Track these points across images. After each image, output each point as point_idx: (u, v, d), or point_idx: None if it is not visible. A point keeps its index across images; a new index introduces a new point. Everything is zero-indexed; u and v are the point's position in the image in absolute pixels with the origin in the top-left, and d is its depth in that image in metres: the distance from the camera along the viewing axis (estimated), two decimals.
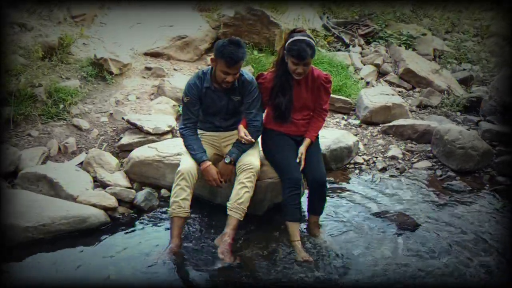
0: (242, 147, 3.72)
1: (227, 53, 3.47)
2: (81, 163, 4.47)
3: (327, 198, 3.83)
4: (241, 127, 3.75)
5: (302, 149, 3.76)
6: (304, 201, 3.85)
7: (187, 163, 3.67)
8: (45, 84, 5.07)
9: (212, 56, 3.61)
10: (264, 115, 3.89)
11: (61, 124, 4.93)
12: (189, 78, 3.85)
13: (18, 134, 4.70)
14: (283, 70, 3.69)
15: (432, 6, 9.41)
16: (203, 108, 3.80)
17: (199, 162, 3.67)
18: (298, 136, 3.85)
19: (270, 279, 3.27)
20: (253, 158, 3.70)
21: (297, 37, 3.59)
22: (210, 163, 3.70)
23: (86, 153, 4.60)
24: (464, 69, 7.53)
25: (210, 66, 3.74)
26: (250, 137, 3.69)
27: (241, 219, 3.62)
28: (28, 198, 3.78)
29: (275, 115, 3.80)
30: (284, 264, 3.40)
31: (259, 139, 3.90)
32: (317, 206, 3.75)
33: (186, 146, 3.75)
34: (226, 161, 3.71)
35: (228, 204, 3.63)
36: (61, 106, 5.05)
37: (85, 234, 3.70)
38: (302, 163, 3.70)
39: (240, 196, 3.59)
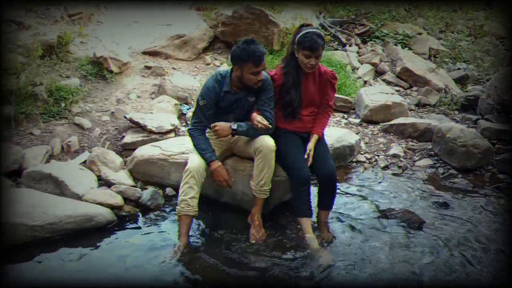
0: (253, 128, 3.63)
1: (252, 53, 3.45)
2: (85, 161, 4.43)
3: None
4: (255, 114, 3.66)
5: (310, 145, 3.76)
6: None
7: (195, 162, 3.64)
8: (45, 83, 5.01)
9: (234, 65, 3.58)
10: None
11: (62, 123, 4.89)
12: (207, 79, 3.78)
13: (20, 133, 4.64)
14: (293, 65, 3.70)
15: (426, 5, 9.50)
16: (217, 109, 3.74)
17: (208, 161, 3.65)
18: (304, 133, 3.86)
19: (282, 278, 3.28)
20: (267, 139, 3.64)
21: (307, 30, 3.61)
22: (220, 163, 3.69)
23: (89, 152, 4.56)
24: (459, 68, 7.61)
25: (227, 69, 3.69)
26: (267, 122, 3.60)
27: (267, 197, 3.72)
28: (33, 197, 3.74)
29: (286, 112, 3.78)
30: (295, 264, 3.41)
31: None
32: (327, 201, 3.76)
33: (195, 145, 3.72)
34: (233, 127, 3.62)
35: (252, 185, 3.68)
36: (63, 104, 5.00)
37: (92, 232, 3.68)
38: (310, 159, 3.71)
39: (261, 178, 3.63)
